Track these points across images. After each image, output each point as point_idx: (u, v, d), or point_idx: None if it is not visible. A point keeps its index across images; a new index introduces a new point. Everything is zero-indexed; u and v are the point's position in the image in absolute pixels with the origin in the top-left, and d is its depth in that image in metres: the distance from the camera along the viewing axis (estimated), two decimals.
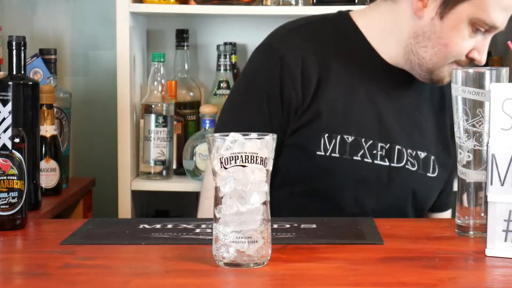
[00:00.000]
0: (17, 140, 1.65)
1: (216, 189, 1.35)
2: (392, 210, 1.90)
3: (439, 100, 1.98)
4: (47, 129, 2.21)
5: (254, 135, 1.37)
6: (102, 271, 1.37)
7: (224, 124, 1.90)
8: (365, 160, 1.88)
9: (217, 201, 1.35)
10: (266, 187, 1.35)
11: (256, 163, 1.33)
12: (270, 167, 1.36)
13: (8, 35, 2.01)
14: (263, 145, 1.34)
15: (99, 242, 1.53)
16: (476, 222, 1.55)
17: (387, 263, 1.41)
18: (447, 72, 1.86)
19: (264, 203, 1.35)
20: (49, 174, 2.22)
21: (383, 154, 1.89)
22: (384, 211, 1.88)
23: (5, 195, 1.61)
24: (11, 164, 1.61)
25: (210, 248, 1.38)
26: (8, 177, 1.61)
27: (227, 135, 1.34)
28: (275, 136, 1.36)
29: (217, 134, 1.35)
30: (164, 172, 2.66)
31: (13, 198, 1.61)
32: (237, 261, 1.34)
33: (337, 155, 1.87)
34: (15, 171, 1.62)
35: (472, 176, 1.55)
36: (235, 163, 1.33)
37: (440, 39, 1.83)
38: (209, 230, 1.60)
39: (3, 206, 1.61)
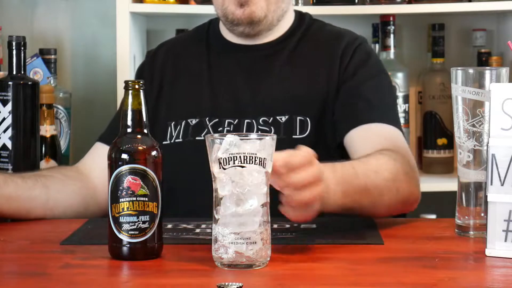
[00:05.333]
0: (154, 153, 1.41)
1: (215, 190, 1.35)
2: None
3: (293, 56, 1.94)
4: (47, 129, 2.20)
5: (253, 135, 1.37)
6: (102, 271, 1.37)
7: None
8: None
9: (216, 202, 1.35)
10: (265, 189, 1.35)
11: (254, 163, 1.33)
12: (269, 168, 1.35)
13: (8, 35, 2.01)
14: (262, 146, 1.34)
15: (99, 242, 1.52)
16: (476, 222, 1.55)
17: (387, 263, 1.41)
18: (229, 2, 1.86)
19: (264, 205, 1.34)
20: None
21: (231, 129, 1.86)
22: None
23: (134, 219, 1.39)
24: (141, 183, 1.39)
25: (210, 248, 1.38)
26: (137, 198, 1.39)
27: (225, 136, 1.34)
28: (274, 137, 1.36)
29: (216, 135, 1.35)
30: None
31: (144, 222, 1.39)
32: (236, 262, 1.34)
33: (180, 140, 1.89)
34: (146, 191, 1.39)
35: (472, 176, 1.55)
36: (234, 163, 1.33)
37: None
38: (209, 230, 1.60)
39: (132, 232, 1.39)
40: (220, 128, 1.87)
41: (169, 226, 1.65)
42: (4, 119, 1.92)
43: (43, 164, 2.16)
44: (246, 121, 1.87)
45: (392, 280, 1.33)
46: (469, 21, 2.78)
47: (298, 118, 1.88)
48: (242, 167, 1.33)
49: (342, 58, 1.90)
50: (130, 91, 1.42)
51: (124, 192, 1.39)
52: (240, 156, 1.33)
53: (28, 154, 1.94)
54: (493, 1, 2.55)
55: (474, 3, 2.57)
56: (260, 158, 1.33)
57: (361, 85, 1.89)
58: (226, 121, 1.88)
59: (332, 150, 1.90)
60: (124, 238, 1.39)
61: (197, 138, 1.88)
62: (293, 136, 1.87)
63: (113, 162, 1.40)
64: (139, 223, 1.39)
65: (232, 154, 1.33)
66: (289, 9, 1.96)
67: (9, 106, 1.92)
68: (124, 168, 1.39)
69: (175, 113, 1.92)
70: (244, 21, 1.87)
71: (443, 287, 1.27)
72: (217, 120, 1.88)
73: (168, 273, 1.35)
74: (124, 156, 1.40)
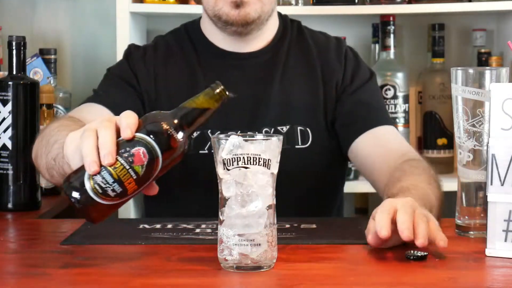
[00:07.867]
0: (176, 155, 1.34)
1: (220, 191, 1.34)
2: None
3: (299, 67, 1.95)
4: None
5: (259, 136, 1.36)
6: (102, 271, 1.37)
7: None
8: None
9: (221, 203, 1.34)
10: (270, 191, 1.34)
11: (259, 165, 1.32)
12: (274, 169, 1.34)
13: (8, 35, 2.01)
14: (267, 147, 1.32)
15: (99, 242, 1.53)
16: (476, 222, 1.55)
17: (387, 263, 1.41)
18: (224, 3, 1.86)
19: (269, 206, 1.33)
20: None
21: None
22: None
23: (109, 180, 1.30)
24: (145, 163, 1.30)
25: (210, 248, 1.38)
26: (129, 170, 1.30)
27: (229, 136, 1.33)
28: (281, 137, 1.35)
29: (221, 135, 1.34)
30: None
31: (113, 191, 1.30)
32: (241, 264, 1.33)
33: None
34: (141, 172, 1.30)
35: (472, 176, 1.55)
36: (237, 164, 1.32)
37: None
38: (209, 230, 1.60)
39: (97, 188, 1.30)
40: None
41: (169, 226, 1.65)
42: (4, 119, 1.92)
43: None
44: (248, 133, 1.86)
45: (392, 280, 1.33)
46: (469, 21, 2.78)
47: (299, 128, 1.90)
48: (246, 168, 1.32)
49: (336, 66, 1.93)
50: (214, 94, 1.37)
51: (126, 154, 1.31)
52: (244, 157, 1.31)
53: (28, 154, 1.94)
54: (493, 1, 2.55)
55: (474, 3, 2.57)
56: (264, 159, 1.32)
57: (358, 91, 1.92)
58: (229, 133, 1.86)
59: (336, 159, 1.92)
60: (87, 186, 1.32)
61: (200, 151, 1.89)
62: (296, 146, 1.90)
63: (146, 123, 1.33)
64: (109, 188, 1.30)
65: (235, 155, 1.32)
66: (274, 10, 1.96)
67: (9, 106, 1.92)
68: (147, 139, 1.32)
69: None
70: (239, 22, 1.87)
71: (443, 287, 1.27)
72: (219, 132, 1.87)
73: (168, 273, 1.35)
74: (159, 132, 1.32)
